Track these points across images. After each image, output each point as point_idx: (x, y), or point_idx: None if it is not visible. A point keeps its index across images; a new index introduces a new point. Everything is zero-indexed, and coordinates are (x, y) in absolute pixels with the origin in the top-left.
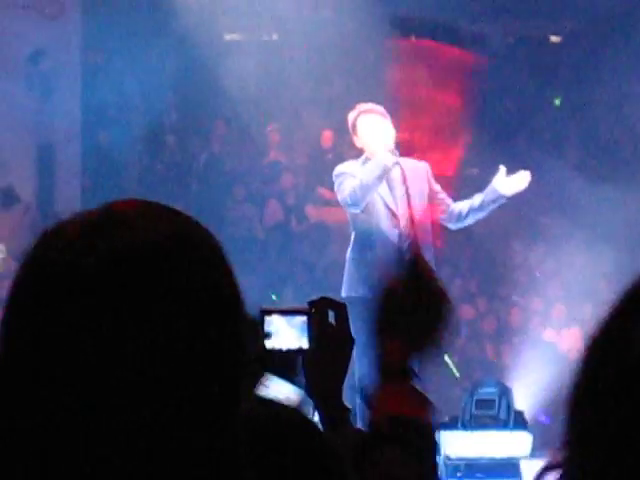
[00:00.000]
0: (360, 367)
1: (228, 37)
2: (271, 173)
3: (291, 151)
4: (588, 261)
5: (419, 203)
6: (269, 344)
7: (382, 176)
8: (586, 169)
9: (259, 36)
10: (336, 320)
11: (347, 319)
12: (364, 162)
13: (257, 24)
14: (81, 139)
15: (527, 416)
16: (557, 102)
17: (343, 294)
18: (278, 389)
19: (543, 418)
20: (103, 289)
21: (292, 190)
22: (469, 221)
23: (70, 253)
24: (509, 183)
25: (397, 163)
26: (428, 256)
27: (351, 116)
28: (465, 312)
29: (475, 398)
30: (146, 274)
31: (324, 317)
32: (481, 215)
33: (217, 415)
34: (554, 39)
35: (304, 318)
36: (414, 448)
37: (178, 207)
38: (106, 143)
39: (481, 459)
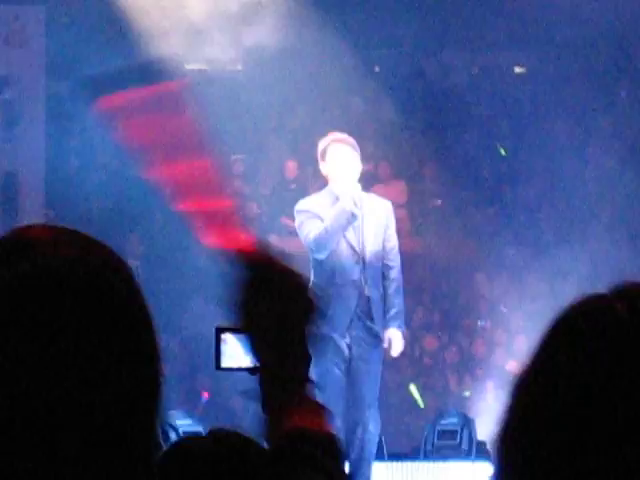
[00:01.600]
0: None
1: (191, 67)
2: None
3: (255, 182)
4: (551, 293)
5: (373, 241)
6: (224, 363)
7: (347, 224)
8: (549, 202)
9: (223, 67)
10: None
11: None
12: (330, 197)
13: (221, 55)
14: (45, 168)
15: (489, 447)
16: (502, 151)
17: None
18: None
19: None
20: (5, 318)
21: (256, 220)
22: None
23: (44, 247)
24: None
25: (359, 201)
26: (376, 295)
27: (322, 142)
28: (428, 343)
29: (437, 429)
30: (48, 300)
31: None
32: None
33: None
34: (518, 70)
35: None
36: (323, 466)
37: (141, 235)
38: (70, 172)
39: None
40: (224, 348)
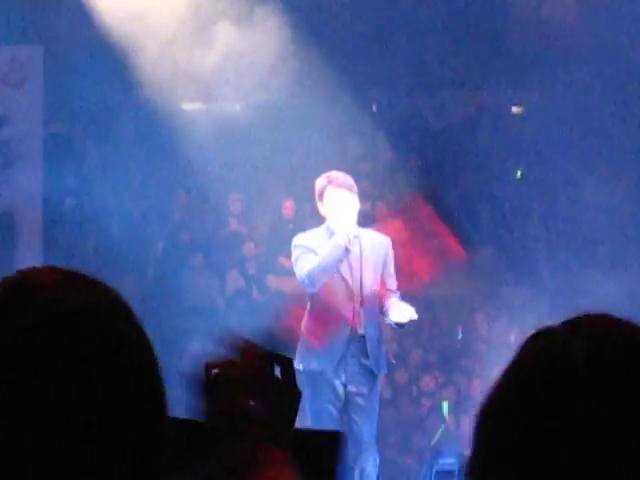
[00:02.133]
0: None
1: (188, 106)
2: (232, 243)
3: (252, 221)
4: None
5: (372, 278)
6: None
7: (340, 259)
8: (547, 242)
9: (221, 106)
10: (282, 374)
11: (294, 373)
12: (327, 232)
13: (219, 94)
14: (42, 208)
15: None
16: (518, 174)
17: (296, 365)
18: None
19: None
20: (14, 365)
21: (253, 260)
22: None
23: (48, 292)
24: (398, 314)
25: (357, 237)
26: (372, 332)
27: (320, 183)
28: (425, 383)
29: (435, 469)
30: (57, 345)
31: (270, 371)
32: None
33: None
34: (515, 110)
35: None
36: None
37: (137, 276)
38: (67, 211)
39: None
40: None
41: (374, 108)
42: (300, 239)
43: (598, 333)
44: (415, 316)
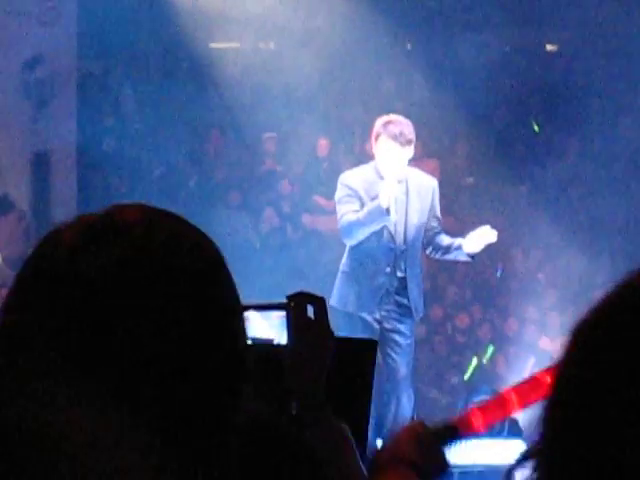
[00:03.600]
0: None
1: (224, 45)
2: (267, 181)
3: (287, 159)
4: (585, 269)
5: (417, 222)
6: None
7: (381, 221)
8: (582, 180)
9: (255, 44)
10: (315, 314)
11: (326, 313)
12: (375, 173)
13: (253, 32)
14: (76, 147)
15: (522, 424)
16: (536, 128)
17: (331, 302)
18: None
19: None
20: (104, 298)
21: (288, 198)
22: (439, 256)
23: (71, 262)
24: (475, 244)
25: (402, 181)
26: (412, 274)
27: (377, 126)
28: (460, 320)
29: (469, 406)
30: (145, 282)
31: (303, 311)
32: (447, 257)
33: (217, 418)
34: (550, 48)
35: (282, 313)
36: None
37: (174, 213)
38: (101, 151)
39: (475, 467)
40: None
41: (409, 47)
42: (347, 178)
43: None
44: (494, 235)
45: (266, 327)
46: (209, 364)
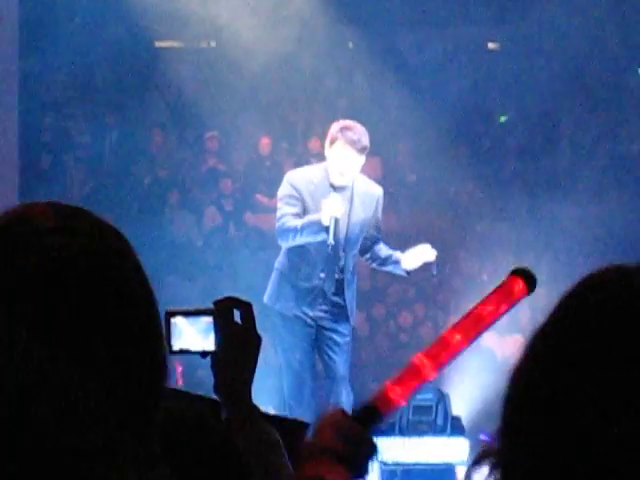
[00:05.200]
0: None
1: (165, 44)
2: (209, 180)
3: (229, 158)
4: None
5: (358, 230)
6: (175, 346)
7: (318, 237)
8: (522, 176)
9: (196, 43)
10: (242, 319)
11: (253, 318)
12: (323, 173)
13: (194, 31)
14: (17, 145)
15: (464, 422)
16: (502, 119)
17: (265, 299)
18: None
19: (483, 437)
20: (14, 310)
21: (230, 197)
22: (375, 266)
23: (50, 237)
24: (413, 261)
25: (349, 187)
26: (349, 276)
27: (335, 131)
28: (403, 319)
29: (412, 404)
30: (57, 292)
31: (230, 316)
32: (383, 268)
33: (137, 414)
34: (492, 46)
35: (209, 319)
36: None
37: (116, 213)
38: (45, 148)
39: (418, 465)
40: (174, 331)
41: (350, 45)
42: (293, 176)
43: None
44: (432, 254)
45: (194, 332)
46: (126, 363)
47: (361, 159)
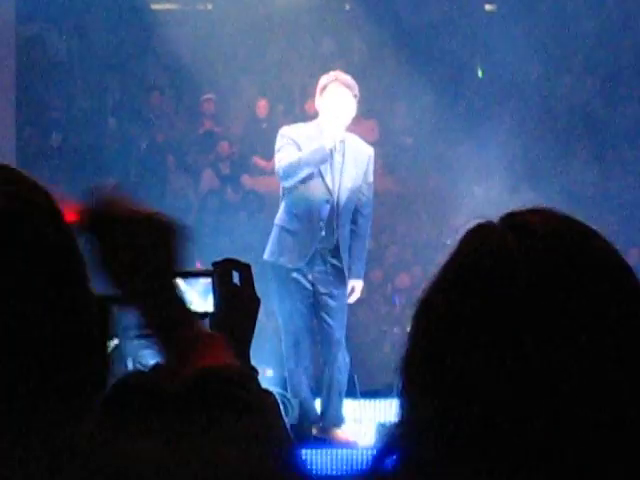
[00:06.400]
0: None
1: (161, 6)
2: (206, 143)
3: (226, 121)
4: None
5: (350, 186)
6: None
7: (322, 161)
8: (520, 139)
9: (193, 6)
10: (241, 281)
11: (252, 280)
12: (316, 129)
13: None
14: (15, 108)
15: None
16: (480, 73)
17: (264, 257)
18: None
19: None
20: None
21: (227, 159)
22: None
23: None
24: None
25: (342, 141)
26: (345, 235)
27: (325, 78)
28: (401, 280)
29: None
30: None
31: (228, 278)
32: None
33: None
34: (489, 7)
35: (208, 280)
36: (236, 399)
37: (114, 176)
38: (42, 111)
39: None
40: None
41: (347, 7)
42: (287, 130)
43: (534, 227)
44: (352, 299)
45: (192, 294)
46: (40, 309)
47: (353, 107)
